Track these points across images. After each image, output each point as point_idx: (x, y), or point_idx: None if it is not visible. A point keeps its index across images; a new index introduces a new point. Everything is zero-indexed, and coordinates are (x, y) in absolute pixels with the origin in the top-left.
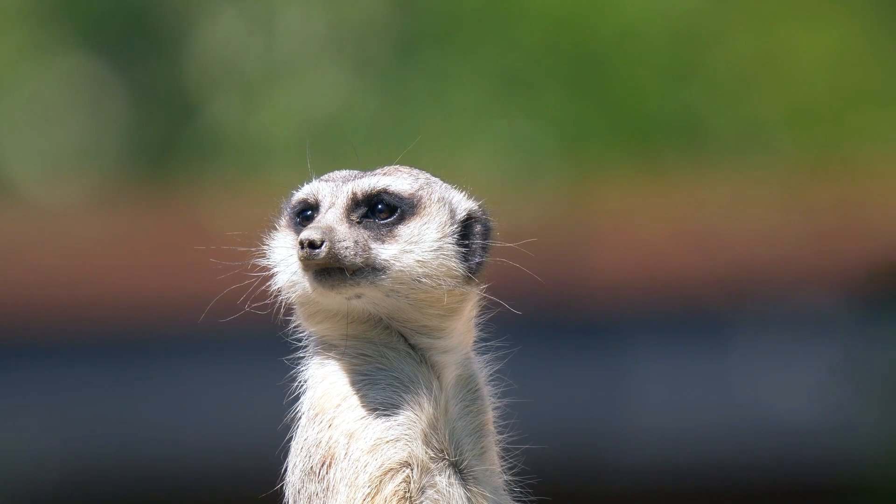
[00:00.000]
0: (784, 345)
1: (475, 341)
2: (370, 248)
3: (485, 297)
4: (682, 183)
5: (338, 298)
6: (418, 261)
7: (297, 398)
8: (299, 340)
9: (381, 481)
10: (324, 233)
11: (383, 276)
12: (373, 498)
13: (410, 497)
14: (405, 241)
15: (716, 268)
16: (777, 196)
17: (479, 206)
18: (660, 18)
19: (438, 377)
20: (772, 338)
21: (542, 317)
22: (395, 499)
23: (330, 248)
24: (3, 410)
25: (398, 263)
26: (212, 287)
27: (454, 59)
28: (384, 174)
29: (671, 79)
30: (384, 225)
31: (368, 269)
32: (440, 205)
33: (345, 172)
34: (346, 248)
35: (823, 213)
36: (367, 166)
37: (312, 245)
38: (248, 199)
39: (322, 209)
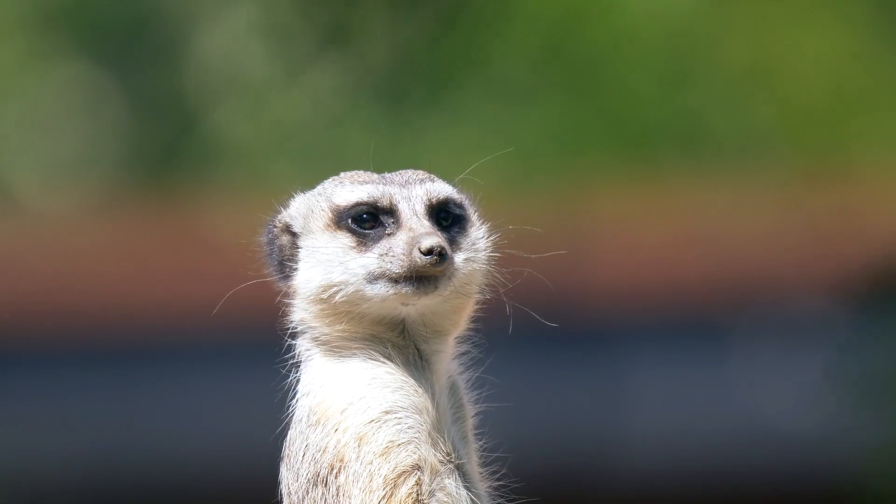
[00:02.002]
0: (783, 350)
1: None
2: (452, 258)
3: (483, 307)
4: (681, 188)
5: (396, 304)
6: (476, 269)
7: (293, 404)
8: (293, 343)
9: (395, 484)
10: (443, 240)
11: (451, 284)
12: (388, 500)
13: (422, 500)
14: (465, 249)
15: (714, 273)
16: (776, 201)
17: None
18: (657, 23)
19: (437, 382)
20: (770, 343)
21: (539, 323)
22: (410, 501)
23: (449, 257)
24: (4, 418)
25: (461, 271)
26: (212, 293)
27: (454, 68)
28: (431, 181)
29: (669, 84)
30: (447, 233)
31: (445, 278)
32: (476, 213)
33: (375, 174)
34: (450, 257)
35: (822, 218)
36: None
37: (442, 254)
38: (248, 207)
39: (405, 214)
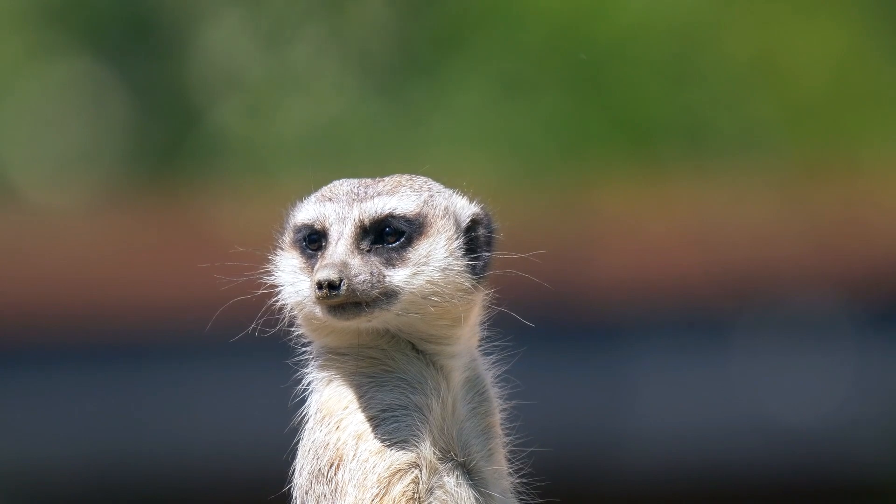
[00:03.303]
0: (786, 346)
1: (480, 340)
2: (384, 277)
3: (491, 303)
4: (683, 185)
5: (350, 324)
6: (429, 281)
7: (304, 401)
8: (304, 344)
9: (389, 482)
10: (340, 271)
11: (395, 301)
12: (381, 499)
13: (419, 498)
14: (414, 264)
15: (717, 269)
16: (778, 197)
17: (482, 209)
18: (660, 21)
19: (446, 379)
20: (774, 339)
21: (544, 319)
22: (404, 499)
23: (348, 286)
24: (5, 414)
25: (408, 286)
26: (215, 292)
27: (456, 63)
28: (389, 194)
29: (671, 81)
30: (392, 249)
31: (382, 298)
32: (445, 219)
33: (346, 187)
34: (363, 282)
35: (825, 214)
36: (370, 170)
37: (332, 286)
38: (251, 203)
39: (331, 239)
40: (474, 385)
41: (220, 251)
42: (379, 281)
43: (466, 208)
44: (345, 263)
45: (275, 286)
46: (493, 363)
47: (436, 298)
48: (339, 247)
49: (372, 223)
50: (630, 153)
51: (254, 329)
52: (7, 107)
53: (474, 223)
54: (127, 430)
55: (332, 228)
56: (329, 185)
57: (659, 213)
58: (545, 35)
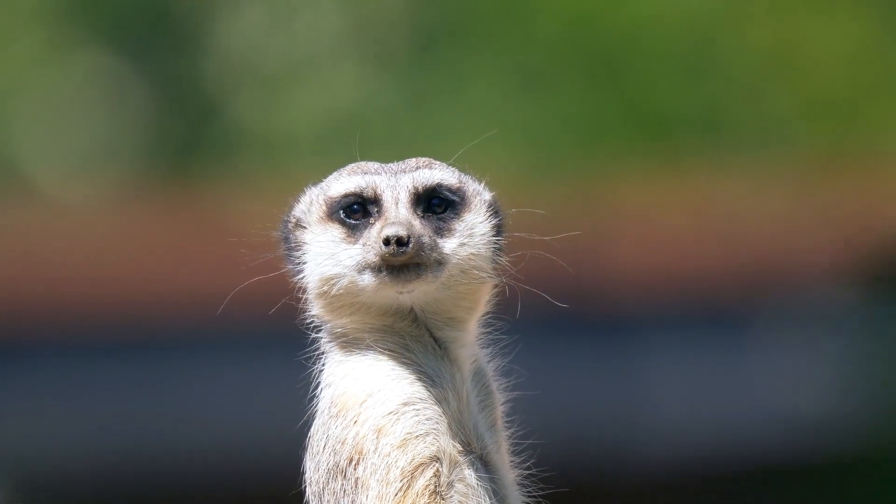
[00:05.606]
0: (801, 336)
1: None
2: (437, 243)
3: (501, 293)
4: (700, 177)
5: (391, 293)
6: (474, 254)
7: (317, 395)
8: (317, 336)
9: (412, 476)
10: (408, 228)
11: (443, 270)
12: (404, 493)
13: (440, 491)
14: (460, 235)
15: (734, 261)
16: (795, 189)
17: (493, 197)
18: (676, 12)
19: (460, 370)
20: (789, 329)
21: (560, 311)
22: (427, 493)
23: (415, 244)
24: (26, 408)
25: (456, 257)
26: (233, 284)
27: (472, 55)
28: (428, 167)
29: (688, 73)
30: (440, 218)
31: (435, 264)
32: (478, 197)
33: (376, 164)
34: (425, 244)
35: (840, 206)
36: (387, 161)
37: (400, 242)
38: (269, 196)
39: (387, 203)
40: (480, 378)
41: (239, 244)
42: (435, 246)
43: (486, 193)
44: (410, 223)
45: (299, 263)
46: (492, 356)
47: (477, 272)
48: (401, 209)
49: (425, 191)
50: (647, 145)
51: (273, 313)
52: (26, 102)
53: (492, 207)
54: (149, 421)
55: (384, 195)
56: (353, 165)
57: (676, 206)
58: (562, 27)
